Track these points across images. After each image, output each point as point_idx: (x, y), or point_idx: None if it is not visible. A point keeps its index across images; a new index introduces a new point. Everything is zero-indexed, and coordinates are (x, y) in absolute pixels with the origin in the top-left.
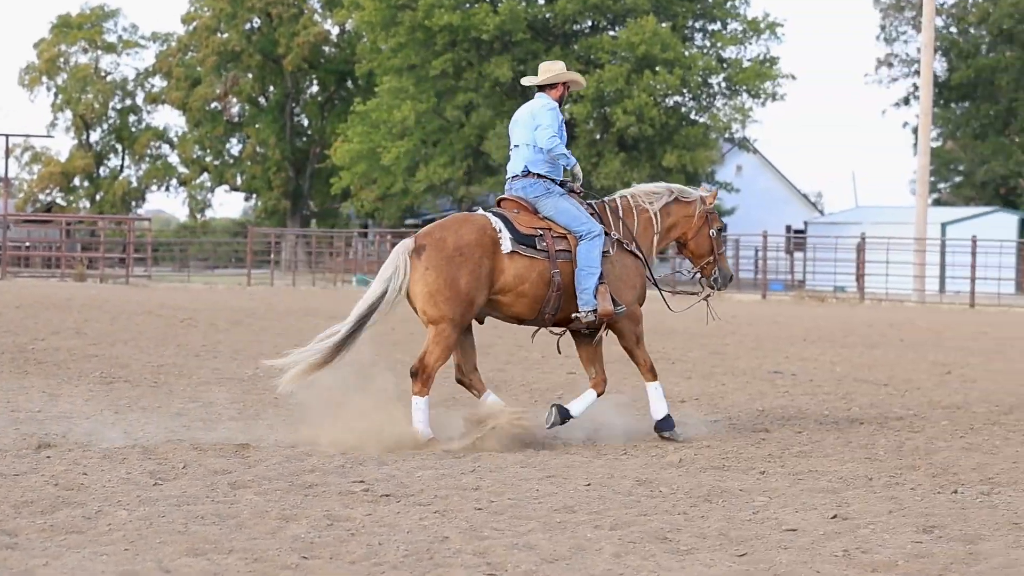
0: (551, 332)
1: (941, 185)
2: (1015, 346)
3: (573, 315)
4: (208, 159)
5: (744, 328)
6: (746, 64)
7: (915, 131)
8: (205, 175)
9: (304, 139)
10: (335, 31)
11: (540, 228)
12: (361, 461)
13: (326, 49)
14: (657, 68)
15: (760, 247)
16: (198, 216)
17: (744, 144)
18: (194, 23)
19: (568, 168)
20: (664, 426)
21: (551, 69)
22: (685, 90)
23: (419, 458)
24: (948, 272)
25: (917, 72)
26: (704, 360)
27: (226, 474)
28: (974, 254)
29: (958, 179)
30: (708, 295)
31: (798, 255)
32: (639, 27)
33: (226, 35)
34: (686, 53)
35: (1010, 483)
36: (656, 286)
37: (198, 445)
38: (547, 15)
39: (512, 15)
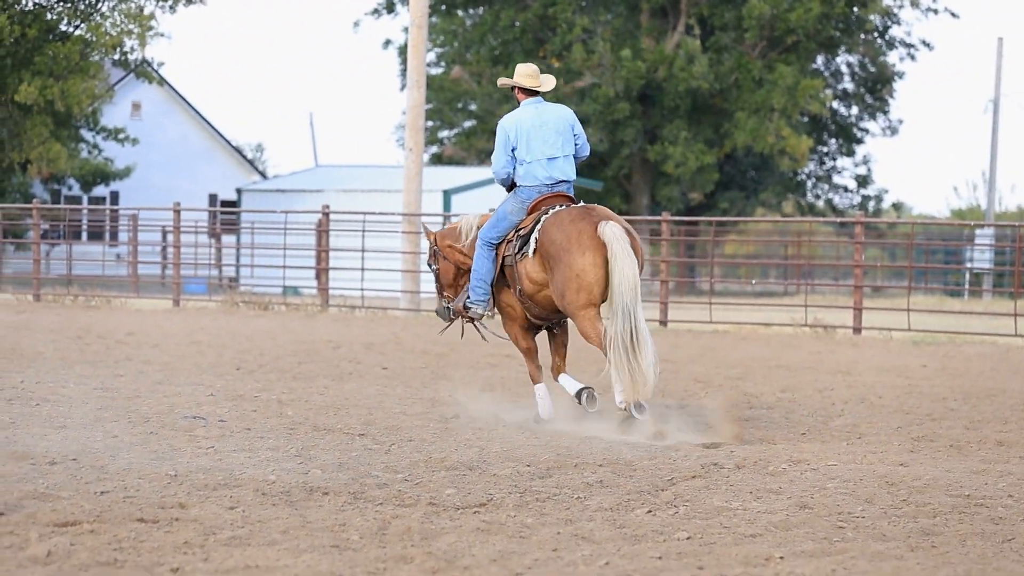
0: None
1: (444, 134)
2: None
3: None
4: None
5: (147, 351)
6: None
7: (403, 52)
8: None
9: None
10: None
11: None
12: None
13: None
14: None
15: (171, 227)
16: None
17: (145, 71)
18: None
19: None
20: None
21: (541, 74)
22: None
23: None
24: None
25: None
26: (87, 399)
27: None
28: None
29: (470, 124)
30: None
31: (228, 239)
32: None
33: None
34: None
35: None
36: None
37: None
38: None
39: None
